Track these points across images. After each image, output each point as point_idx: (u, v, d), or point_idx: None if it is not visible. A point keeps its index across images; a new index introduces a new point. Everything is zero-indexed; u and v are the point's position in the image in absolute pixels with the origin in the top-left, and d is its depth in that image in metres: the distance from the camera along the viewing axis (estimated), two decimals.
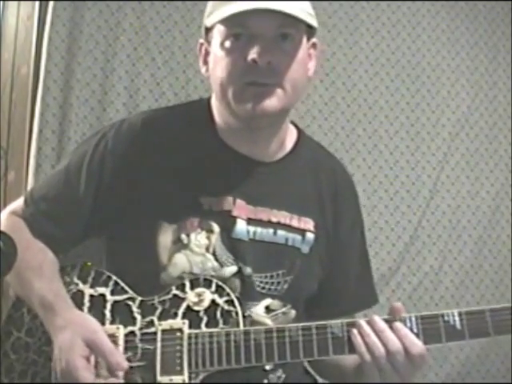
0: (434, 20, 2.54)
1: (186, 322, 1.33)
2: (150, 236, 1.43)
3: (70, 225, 1.49)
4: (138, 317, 1.36)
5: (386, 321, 1.28)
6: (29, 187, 2.05)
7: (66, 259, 1.51)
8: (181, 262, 1.42)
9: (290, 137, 1.56)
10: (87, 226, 1.49)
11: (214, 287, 1.36)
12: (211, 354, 1.30)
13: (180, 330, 1.32)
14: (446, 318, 1.27)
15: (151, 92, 2.19)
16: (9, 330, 1.41)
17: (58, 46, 2.10)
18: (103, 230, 1.51)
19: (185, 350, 1.30)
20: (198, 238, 1.42)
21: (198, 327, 1.33)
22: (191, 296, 1.35)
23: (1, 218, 1.52)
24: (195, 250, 1.42)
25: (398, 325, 1.27)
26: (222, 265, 1.42)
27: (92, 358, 1.28)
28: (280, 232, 1.47)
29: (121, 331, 1.33)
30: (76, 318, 1.33)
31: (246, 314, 1.36)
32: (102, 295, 1.39)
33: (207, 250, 1.42)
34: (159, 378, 1.29)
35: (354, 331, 1.28)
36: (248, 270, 1.42)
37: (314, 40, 1.48)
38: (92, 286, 1.40)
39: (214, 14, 1.37)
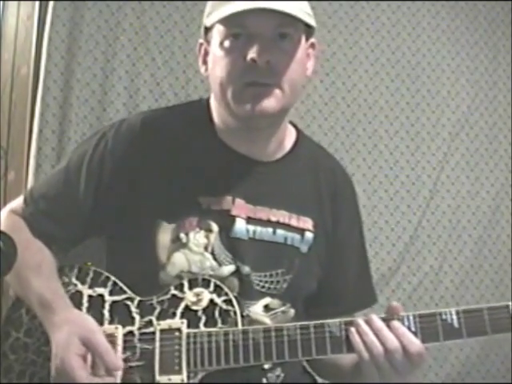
0: (434, 20, 2.53)
1: (185, 321, 1.33)
2: (150, 235, 1.43)
3: (69, 224, 1.49)
4: (137, 317, 1.36)
5: (384, 320, 1.29)
6: (29, 187, 2.05)
7: (66, 259, 1.51)
8: (179, 260, 1.42)
9: (289, 137, 1.57)
10: (87, 226, 1.49)
11: (212, 287, 1.36)
12: (210, 354, 1.30)
13: (178, 329, 1.32)
14: (443, 317, 1.28)
15: (151, 92, 2.19)
16: (7, 331, 1.41)
17: (57, 46, 2.10)
18: (103, 229, 1.52)
19: (183, 349, 1.31)
20: (197, 237, 1.42)
21: (197, 327, 1.33)
22: (190, 296, 1.36)
23: (0, 216, 1.53)
24: (194, 249, 1.42)
25: (396, 323, 1.28)
26: (220, 264, 1.42)
27: (89, 358, 1.28)
28: (279, 231, 1.48)
29: (119, 331, 1.34)
30: (73, 317, 1.33)
31: (244, 314, 1.37)
32: (101, 295, 1.39)
33: (206, 249, 1.42)
34: (158, 378, 1.30)
35: (352, 330, 1.28)
36: (246, 269, 1.43)
37: (312, 40, 1.48)
38: (91, 287, 1.41)
39: (214, 14, 1.38)
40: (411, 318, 1.29)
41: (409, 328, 1.27)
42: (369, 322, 1.28)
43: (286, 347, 1.29)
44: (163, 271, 1.42)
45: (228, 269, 1.42)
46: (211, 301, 1.34)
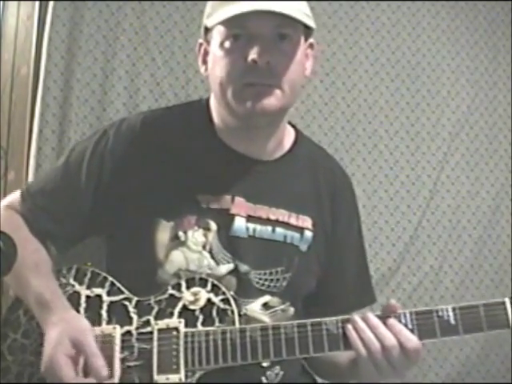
0: (434, 20, 2.53)
1: (182, 321, 1.34)
2: (148, 233, 1.44)
3: (68, 221, 1.50)
4: (135, 317, 1.36)
5: (380, 317, 1.30)
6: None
7: (66, 259, 1.51)
8: (177, 259, 1.43)
9: (288, 137, 1.58)
10: (86, 224, 1.50)
11: (209, 286, 1.36)
12: (207, 353, 1.30)
13: (176, 329, 1.33)
14: (440, 314, 1.29)
15: (151, 92, 2.19)
16: (5, 333, 1.41)
17: (57, 46, 2.09)
18: (102, 228, 1.52)
19: (181, 348, 1.31)
20: (195, 236, 1.43)
21: (194, 326, 1.33)
22: (187, 295, 1.36)
23: None
24: (192, 248, 1.43)
25: (392, 321, 1.29)
26: (217, 262, 1.43)
27: (81, 360, 1.28)
28: (278, 229, 1.48)
29: (117, 331, 1.34)
30: (69, 317, 1.33)
31: (241, 312, 1.37)
32: (99, 296, 1.40)
33: (204, 247, 1.43)
34: (156, 377, 1.30)
35: (349, 327, 1.29)
36: (245, 268, 1.43)
37: (311, 40, 1.49)
38: (88, 287, 1.41)
39: (214, 16, 1.39)
40: (408, 315, 1.30)
41: (406, 325, 1.28)
42: (365, 320, 1.29)
43: (284, 345, 1.29)
44: (161, 269, 1.43)
45: (226, 267, 1.43)
46: (208, 300, 1.35)
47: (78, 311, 1.38)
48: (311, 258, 1.52)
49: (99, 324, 1.36)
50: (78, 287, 1.41)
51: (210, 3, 1.45)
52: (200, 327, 1.33)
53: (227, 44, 1.39)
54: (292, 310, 1.50)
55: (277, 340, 1.30)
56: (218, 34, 1.41)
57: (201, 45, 1.51)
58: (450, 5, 2.56)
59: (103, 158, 1.48)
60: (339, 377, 1.52)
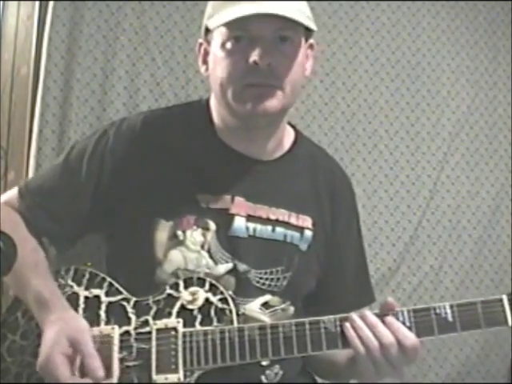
0: (434, 20, 2.53)
1: (181, 320, 1.34)
2: (147, 233, 1.44)
3: (66, 220, 1.50)
4: (133, 317, 1.36)
5: (378, 315, 1.30)
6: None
7: (65, 259, 1.52)
8: (176, 258, 1.43)
9: (288, 137, 1.58)
10: (84, 223, 1.50)
11: (207, 286, 1.36)
12: (206, 352, 1.30)
13: (174, 328, 1.33)
14: (437, 311, 1.29)
15: (151, 92, 2.19)
16: (4, 334, 1.41)
17: (57, 46, 2.09)
18: (101, 227, 1.52)
19: (179, 348, 1.31)
20: (194, 235, 1.43)
21: (193, 326, 1.33)
22: (185, 295, 1.36)
23: None
24: (190, 247, 1.43)
25: (390, 319, 1.29)
26: (216, 262, 1.43)
27: (78, 360, 1.28)
28: (278, 229, 1.49)
29: (116, 331, 1.34)
30: (66, 317, 1.33)
31: (239, 312, 1.37)
32: (97, 296, 1.40)
33: (202, 247, 1.43)
34: (154, 377, 1.30)
35: (347, 325, 1.30)
36: (244, 267, 1.43)
37: (311, 41, 1.50)
38: (87, 288, 1.41)
39: (216, 17, 1.39)
40: (405, 313, 1.30)
41: (403, 323, 1.29)
42: (363, 318, 1.30)
43: (282, 344, 1.30)
44: (160, 268, 1.43)
45: (224, 267, 1.43)
46: (207, 300, 1.35)
47: (76, 312, 1.37)
48: (311, 258, 1.53)
49: (98, 324, 1.35)
50: (76, 288, 1.41)
51: (210, 3, 1.45)
52: (198, 327, 1.33)
53: (228, 45, 1.39)
54: (292, 309, 1.51)
55: (275, 339, 1.30)
56: (219, 35, 1.41)
57: (201, 45, 1.51)
58: (449, 5, 2.56)
59: (103, 158, 1.48)
60: (338, 376, 1.53)
